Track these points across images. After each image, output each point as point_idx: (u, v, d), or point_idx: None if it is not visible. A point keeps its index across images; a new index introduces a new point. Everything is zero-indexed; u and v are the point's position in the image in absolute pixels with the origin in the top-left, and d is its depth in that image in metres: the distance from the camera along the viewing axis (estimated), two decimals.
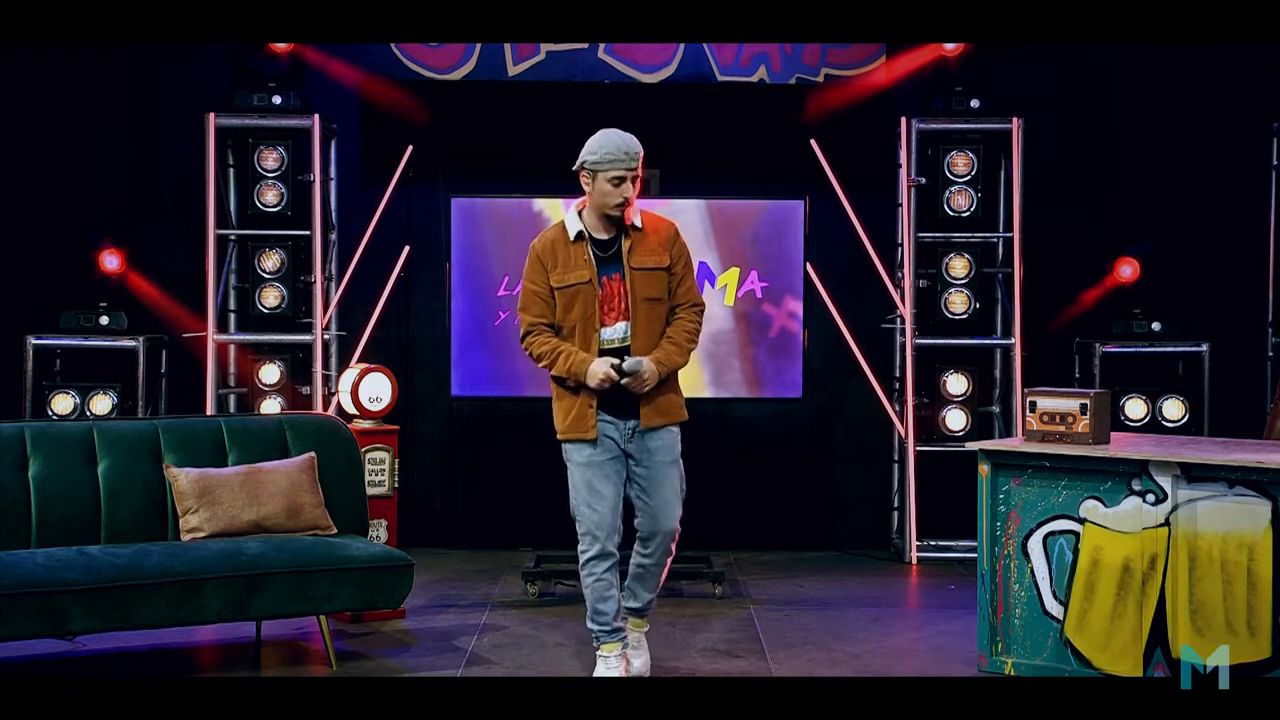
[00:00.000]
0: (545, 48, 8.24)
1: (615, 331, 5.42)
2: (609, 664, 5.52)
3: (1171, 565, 5.40)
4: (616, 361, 5.35)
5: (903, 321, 8.19)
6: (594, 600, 5.49)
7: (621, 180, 5.35)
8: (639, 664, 5.64)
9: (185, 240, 8.29)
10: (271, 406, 8.13)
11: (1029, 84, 8.31)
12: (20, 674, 5.71)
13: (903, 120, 8.17)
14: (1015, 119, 8.09)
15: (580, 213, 5.48)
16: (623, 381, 5.35)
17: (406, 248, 8.14)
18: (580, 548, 5.48)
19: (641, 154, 5.40)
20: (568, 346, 5.44)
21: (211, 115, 8.00)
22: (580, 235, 5.44)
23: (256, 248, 8.15)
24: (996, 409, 8.38)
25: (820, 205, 7.82)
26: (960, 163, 8.18)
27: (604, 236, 5.45)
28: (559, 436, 5.53)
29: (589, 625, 5.54)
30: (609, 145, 5.36)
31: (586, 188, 5.41)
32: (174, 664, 6.00)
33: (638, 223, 5.46)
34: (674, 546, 5.57)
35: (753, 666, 5.92)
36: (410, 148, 8.02)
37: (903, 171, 8.20)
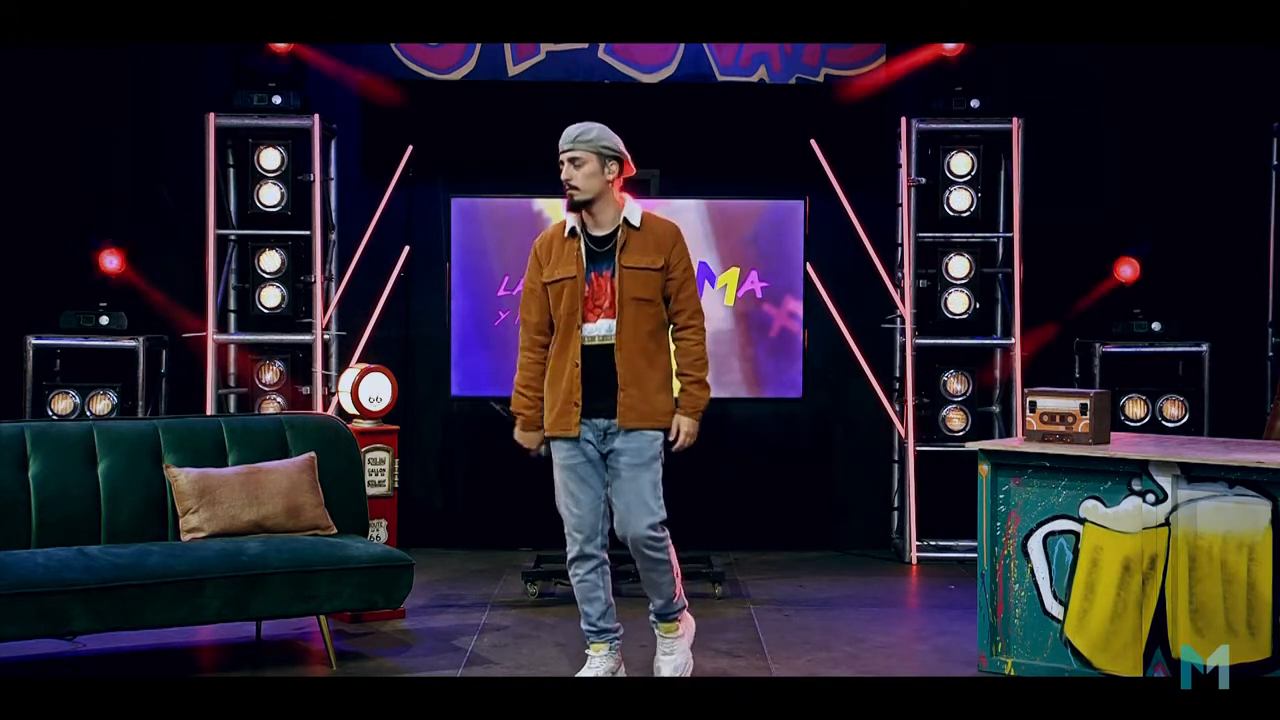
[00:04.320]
0: (545, 48, 8.24)
1: (598, 329, 5.37)
2: (592, 664, 5.50)
3: (1171, 565, 5.40)
4: (544, 446, 5.50)
5: (903, 321, 8.19)
6: (579, 600, 5.51)
7: (562, 164, 5.41)
8: (668, 670, 5.55)
9: (185, 240, 8.29)
10: (271, 406, 8.13)
11: (1029, 84, 8.31)
12: (20, 674, 5.71)
13: (903, 120, 8.17)
14: (1015, 119, 8.09)
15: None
16: (675, 448, 5.44)
17: (406, 248, 8.13)
18: (567, 548, 5.49)
19: (581, 135, 5.36)
20: (526, 394, 5.49)
21: (211, 115, 8.00)
22: (574, 231, 5.44)
23: (256, 248, 8.15)
24: (996, 409, 8.38)
25: (820, 205, 7.82)
26: (960, 163, 8.18)
27: (601, 233, 5.42)
28: (545, 432, 5.50)
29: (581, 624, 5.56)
30: None
31: None
32: (174, 664, 6.00)
33: (634, 221, 5.42)
34: (660, 554, 5.38)
35: (753, 666, 5.92)
36: (410, 148, 8.02)
37: (903, 171, 8.20)
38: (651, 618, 5.59)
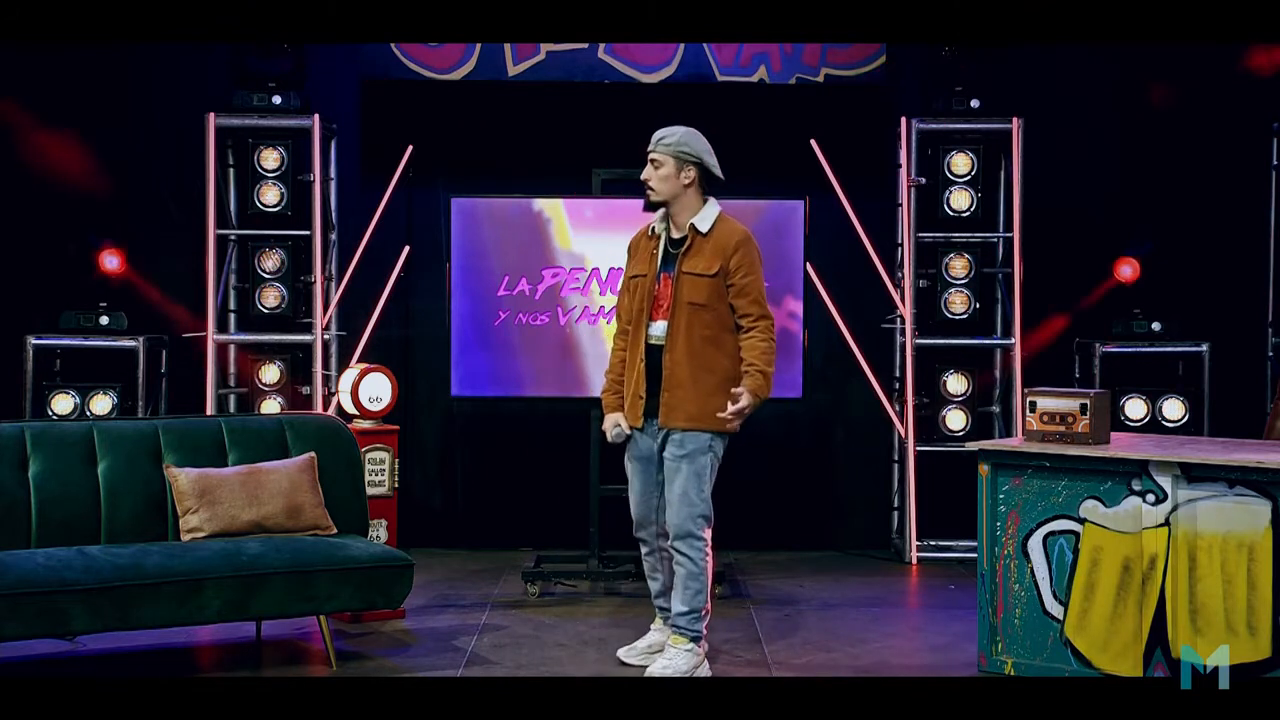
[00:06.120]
0: (545, 48, 8.23)
1: (658, 329, 5.57)
2: (647, 635, 5.84)
3: (1171, 565, 5.40)
4: (622, 431, 5.66)
5: (903, 321, 8.19)
6: (646, 573, 5.83)
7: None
8: (655, 669, 5.58)
9: (185, 240, 8.28)
10: (271, 406, 8.13)
11: (1029, 84, 8.31)
12: (20, 674, 5.71)
13: (903, 120, 8.16)
14: (1015, 119, 8.09)
15: None
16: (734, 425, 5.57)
17: (406, 248, 8.13)
18: None
19: (663, 139, 5.55)
20: (608, 381, 5.75)
21: (211, 115, 8.00)
22: (656, 231, 5.63)
23: (256, 248, 8.15)
24: (996, 409, 8.38)
25: (820, 205, 7.81)
26: (960, 163, 8.18)
27: (678, 235, 5.60)
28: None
29: None
30: None
31: None
32: (174, 664, 6.00)
33: (702, 227, 5.55)
34: (694, 552, 5.52)
35: (753, 666, 5.92)
36: (410, 148, 8.01)
37: (903, 171, 8.20)
38: (670, 621, 5.67)
